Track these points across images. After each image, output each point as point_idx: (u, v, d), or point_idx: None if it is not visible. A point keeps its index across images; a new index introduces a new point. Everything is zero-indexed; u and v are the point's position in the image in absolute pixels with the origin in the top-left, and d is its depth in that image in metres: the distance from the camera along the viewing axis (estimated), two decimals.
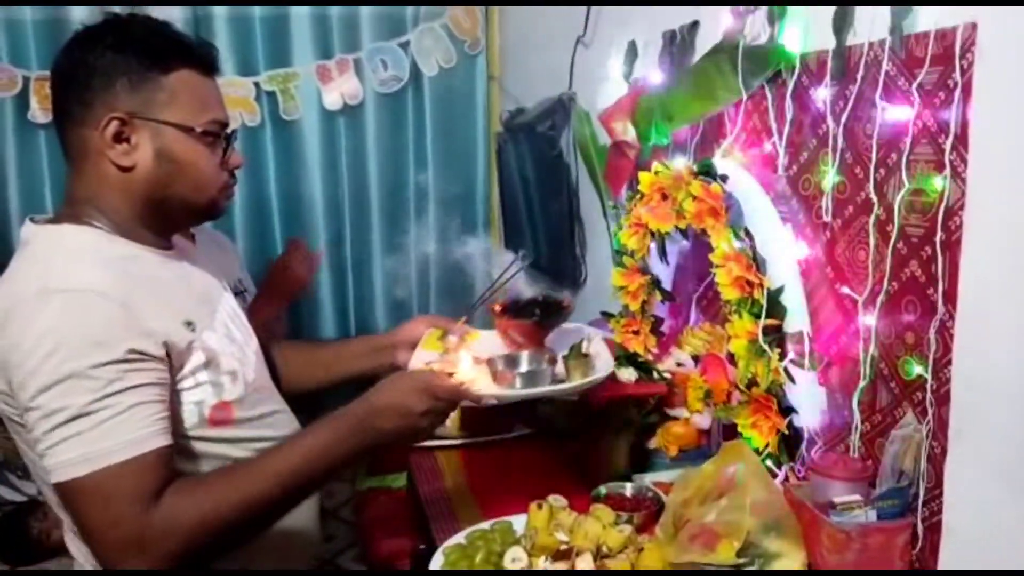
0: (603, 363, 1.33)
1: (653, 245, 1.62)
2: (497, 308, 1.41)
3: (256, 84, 2.58)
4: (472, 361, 1.26)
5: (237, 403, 1.10)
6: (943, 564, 1.08)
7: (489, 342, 1.38)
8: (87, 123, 1.05)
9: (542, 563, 1.17)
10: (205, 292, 1.18)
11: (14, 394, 0.96)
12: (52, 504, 1.08)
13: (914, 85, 1.07)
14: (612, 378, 1.44)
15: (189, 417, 1.06)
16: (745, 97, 1.41)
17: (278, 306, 1.82)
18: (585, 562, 1.16)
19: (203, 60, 1.12)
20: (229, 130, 1.14)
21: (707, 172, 1.40)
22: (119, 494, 0.93)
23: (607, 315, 1.81)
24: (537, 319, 1.37)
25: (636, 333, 1.74)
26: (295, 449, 1.04)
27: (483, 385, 1.23)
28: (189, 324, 1.06)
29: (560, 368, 1.31)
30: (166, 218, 1.12)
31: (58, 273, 0.98)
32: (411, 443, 1.16)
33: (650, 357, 1.67)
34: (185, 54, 1.10)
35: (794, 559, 1.11)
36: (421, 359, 1.30)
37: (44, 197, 2.54)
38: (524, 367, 1.32)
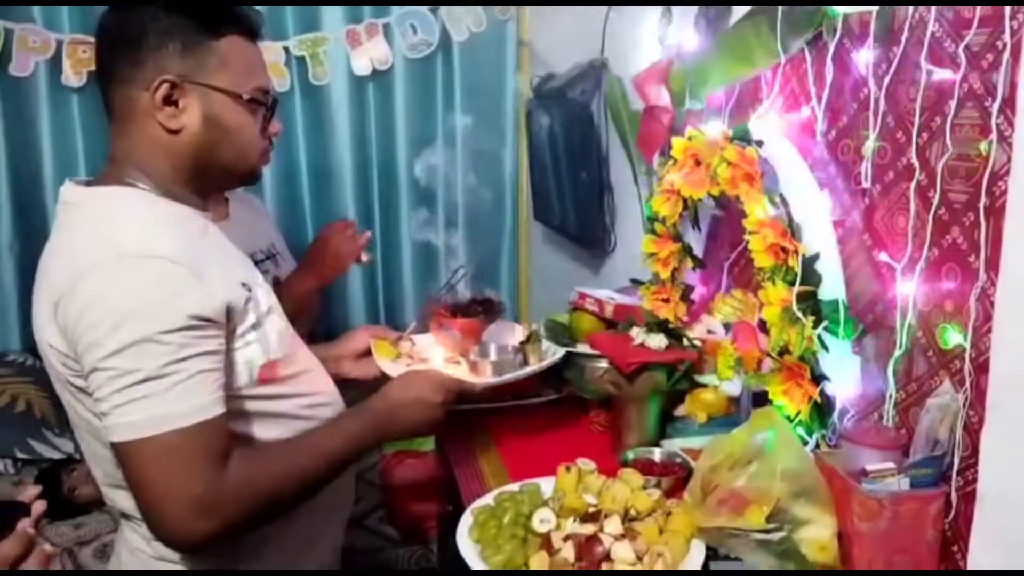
0: (552, 347, 1.59)
1: (685, 212, 1.61)
2: (443, 311, 1.59)
3: (286, 49, 2.58)
4: (444, 358, 1.48)
5: (282, 361, 1.11)
6: (976, 533, 1.07)
7: (429, 344, 1.55)
8: (136, 84, 1.05)
9: (570, 525, 1.18)
10: (244, 258, 1.19)
11: (79, 356, 0.97)
12: (99, 460, 1.10)
13: (961, 47, 1.04)
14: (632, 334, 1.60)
15: (240, 376, 1.07)
16: (783, 60, 1.38)
17: (315, 283, 1.79)
18: (613, 524, 1.16)
19: (251, 26, 1.12)
20: (271, 98, 1.14)
21: (742, 137, 1.38)
22: (190, 456, 0.95)
23: (636, 282, 1.80)
24: (481, 317, 1.58)
25: (666, 301, 1.73)
26: (338, 431, 1.13)
27: (468, 377, 1.43)
28: (244, 285, 1.07)
29: (520, 356, 1.52)
30: (206, 181, 1.13)
31: (131, 238, 0.99)
32: (428, 432, 1.31)
33: (680, 325, 1.66)
34: (235, 19, 1.09)
35: (824, 526, 1.11)
36: (383, 366, 1.43)
37: (78, 161, 2.56)
38: (493, 356, 1.49)
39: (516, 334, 1.59)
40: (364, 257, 1.80)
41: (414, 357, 1.43)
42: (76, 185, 1.09)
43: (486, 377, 1.44)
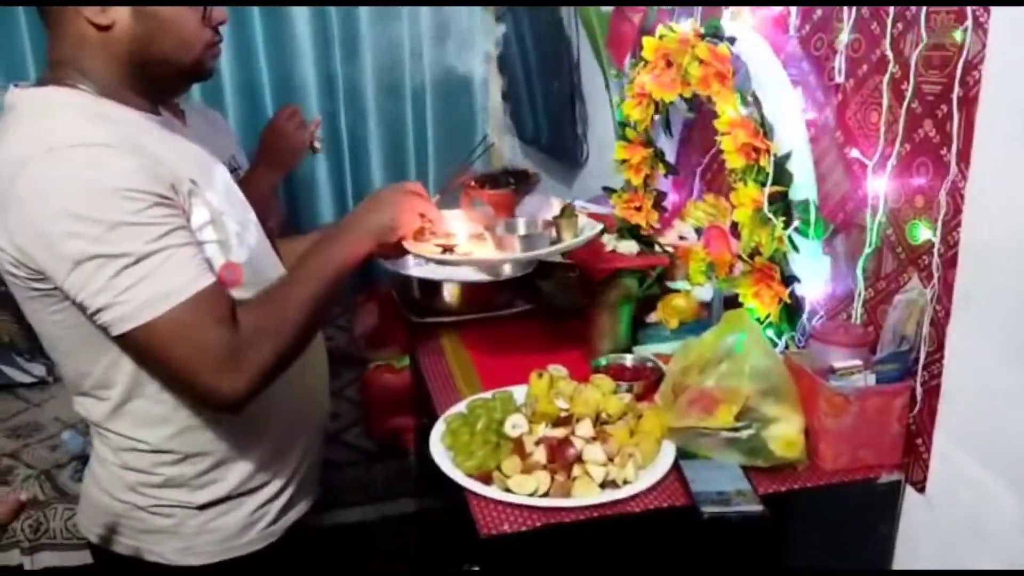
0: (590, 222, 1.38)
1: (657, 117, 1.57)
2: (471, 183, 1.44)
3: None
4: (469, 232, 1.32)
5: (245, 266, 1.09)
6: (940, 427, 1.09)
7: (456, 220, 1.40)
8: None
9: (542, 430, 1.18)
10: (200, 159, 1.15)
11: (40, 259, 0.95)
12: (69, 367, 1.09)
13: None
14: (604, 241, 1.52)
15: None
16: None
17: (272, 177, 1.75)
18: (584, 428, 1.17)
19: None
20: None
21: (714, 34, 1.33)
22: (204, 321, 0.96)
23: (609, 190, 1.78)
24: (512, 188, 1.42)
25: (638, 208, 1.71)
26: (317, 253, 1.11)
27: (488, 252, 1.30)
28: (192, 180, 1.04)
29: (553, 231, 1.34)
30: (152, 81, 1.08)
31: (62, 131, 0.96)
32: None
33: (652, 232, 1.64)
34: None
35: (792, 423, 1.13)
36: (406, 244, 1.28)
37: (28, 71, 2.47)
38: (522, 231, 1.34)
39: (553, 208, 1.42)
40: (316, 144, 1.75)
41: (438, 233, 1.30)
42: (17, 88, 1.04)
43: (515, 253, 1.31)
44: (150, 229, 0.94)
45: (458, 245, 1.30)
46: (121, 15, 1.01)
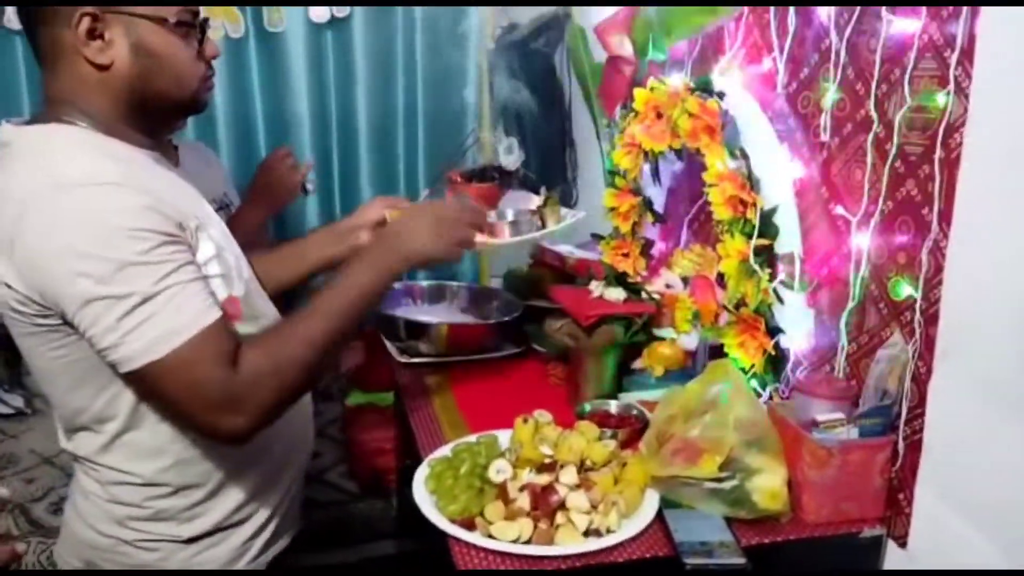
0: (571, 212, 1.54)
1: (646, 166, 1.60)
2: (458, 177, 1.52)
3: None
4: None
5: (243, 299, 1.10)
6: (922, 481, 1.10)
7: None
8: (57, 22, 1.01)
9: (526, 475, 1.18)
10: (196, 195, 1.16)
11: (49, 296, 0.95)
12: (65, 403, 1.08)
13: None
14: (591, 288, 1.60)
15: None
16: (747, 11, 1.37)
17: (262, 215, 1.77)
18: (569, 475, 1.17)
19: None
20: (200, 18, 1.10)
21: (704, 88, 1.36)
22: (205, 361, 0.96)
23: (597, 237, 1.80)
24: (497, 182, 1.51)
25: (626, 255, 1.73)
26: (344, 286, 1.10)
27: (480, 239, 1.37)
28: (196, 216, 1.05)
29: (538, 219, 1.47)
30: (150, 116, 1.09)
31: (67, 167, 0.97)
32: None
33: (639, 279, 1.66)
34: None
35: (775, 474, 1.13)
36: None
37: (22, 103, 2.47)
38: (511, 217, 1.44)
39: (532, 201, 1.53)
40: (309, 186, 1.80)
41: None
42: (12, 125, 1.04)
43: (504, 238, 1.41)
44: (157, 268, 0.95)
45: None
46: (120, 53, 1.03)
